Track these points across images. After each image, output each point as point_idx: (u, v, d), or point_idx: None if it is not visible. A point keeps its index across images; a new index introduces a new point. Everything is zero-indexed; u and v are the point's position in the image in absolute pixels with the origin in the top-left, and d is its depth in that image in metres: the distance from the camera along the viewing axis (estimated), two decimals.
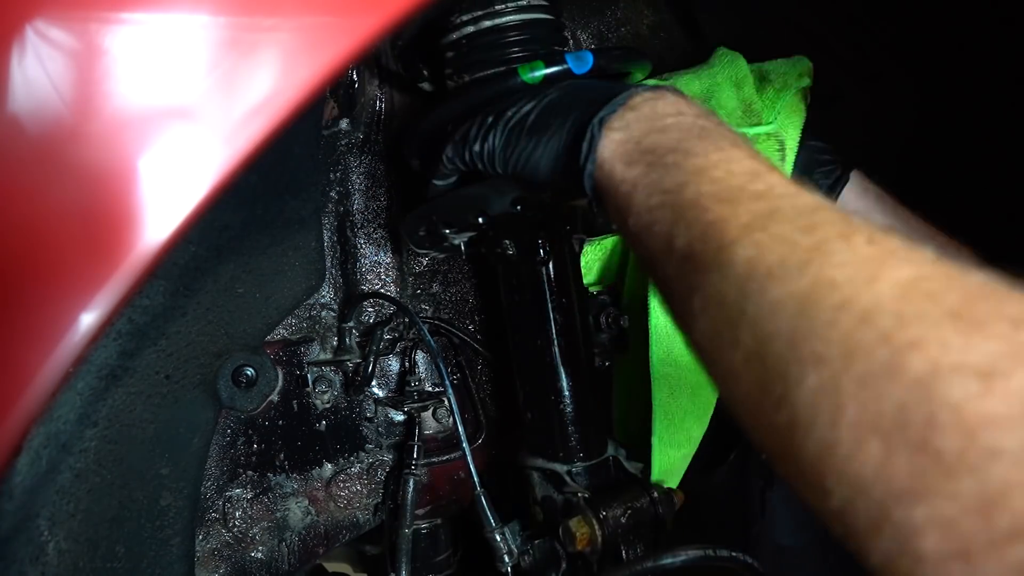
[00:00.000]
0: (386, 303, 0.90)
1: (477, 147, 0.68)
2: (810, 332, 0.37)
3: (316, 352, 0.87)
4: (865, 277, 0.37)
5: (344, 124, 0.86)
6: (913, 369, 0.33)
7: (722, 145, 0.50)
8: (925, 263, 0.37)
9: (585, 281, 0.89)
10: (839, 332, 0.36)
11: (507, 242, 0.78)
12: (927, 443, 0.31)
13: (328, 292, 0.89)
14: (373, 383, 0.87)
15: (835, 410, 0.35)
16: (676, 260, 0.46)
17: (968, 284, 0.35)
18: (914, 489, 0.31)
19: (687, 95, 0.59)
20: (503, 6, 0.73)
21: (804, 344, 0.37)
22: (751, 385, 0.40)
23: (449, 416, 0.88)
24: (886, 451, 0.32)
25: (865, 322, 0.35)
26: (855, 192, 0.84)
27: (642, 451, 0.87)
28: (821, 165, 0.85)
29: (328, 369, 0.87)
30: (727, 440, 1.03)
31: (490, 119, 0.68)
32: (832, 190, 0.84)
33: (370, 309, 0.90)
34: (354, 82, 0.84)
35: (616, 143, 0.55)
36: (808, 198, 0.43)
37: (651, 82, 0.83)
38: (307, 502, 0.86)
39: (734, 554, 0.71)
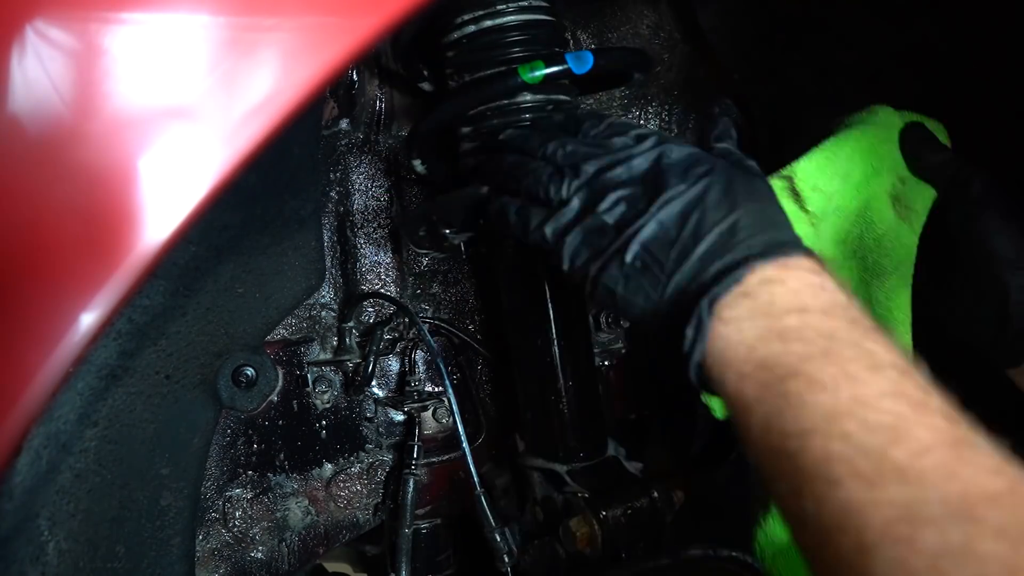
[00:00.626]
0: (386, 303, 0.90)
1: (545, 231, 0.58)
2: None
3: (316, 352, 0.87)
4: None
5: (344, 124, 0.86)
6: None
7: (854, 371, 0.42)
8: None
9: None
10: None
11: (507, 242, 0.78)
12: None
13: (328, 292, 0.89)
14: (373, 383, 0.87)
15: None
16: (808, 531, 0.41)
17: None
18: None
19: (815, 259, 0.49)
20: (504, 6, 0.74)
21: None
22: None
23: (449, 416, 0.88)
24: None
25: None
26: None
27: None
28: None
29: (328, 369, 0.87)
30: (727, 440, 1.03)
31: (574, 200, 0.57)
32: None
33: (370, 309, 0.90)
34: (354, 82, 0.84)
35: (726, 342, 0.47)
36: (966, 477, 0.37)
37: (776, 181, 0.68)
38: (307, 502, 0.86)
39: (734, 554, 0.71)
